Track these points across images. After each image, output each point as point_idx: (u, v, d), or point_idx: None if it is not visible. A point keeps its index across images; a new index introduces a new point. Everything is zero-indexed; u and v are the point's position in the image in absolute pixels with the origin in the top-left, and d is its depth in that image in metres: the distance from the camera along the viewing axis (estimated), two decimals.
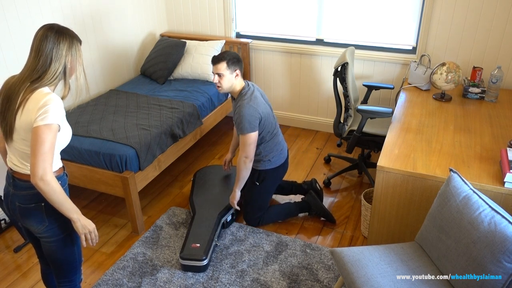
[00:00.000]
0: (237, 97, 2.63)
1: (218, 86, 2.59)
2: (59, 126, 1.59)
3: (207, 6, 4.07)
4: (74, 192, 3.30)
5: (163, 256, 2.63)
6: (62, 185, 1.71)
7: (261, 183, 2.76)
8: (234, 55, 2.57)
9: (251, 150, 2.60)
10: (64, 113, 1.64)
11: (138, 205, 2.79)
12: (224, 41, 3.92)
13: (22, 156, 1.66)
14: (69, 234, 1.76)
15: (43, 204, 1.66)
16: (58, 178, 1.69)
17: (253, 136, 2.57)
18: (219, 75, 2.55)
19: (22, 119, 1.58)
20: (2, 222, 2.87)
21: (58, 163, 1.73)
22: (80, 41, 1.70)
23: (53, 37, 1.60)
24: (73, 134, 2.81)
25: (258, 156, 2.72)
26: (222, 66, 2.52)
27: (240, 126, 2.55)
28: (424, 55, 3.30)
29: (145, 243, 2.73)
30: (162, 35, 4.25)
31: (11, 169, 1.71)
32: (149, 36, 4.12)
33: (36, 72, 1.59)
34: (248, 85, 2.65)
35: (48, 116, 1.54)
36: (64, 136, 1.68)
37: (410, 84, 3.32)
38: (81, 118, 3.04)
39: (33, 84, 1.59)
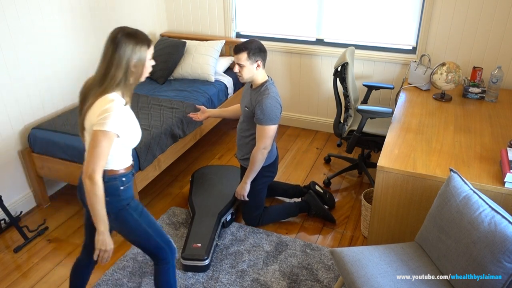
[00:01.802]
0: (258, 88, 2.56)
1: (239, 76, 2.53)
2: (117, 134, 1.64)
3: (207, 6, 4.07)
4: (74, 192, 3.30)
5: None
6: (127, 182, 1.79)
7: (253, 182, 2.75)
8: (257, 45, 2.49)
9: (270, 141, 2.56)
10: (127, 119, 1.68)
11: None
12: (224, 41, 3.92)
13: None
14: (137, 221, 1.83)
15: (107, 198, 1.70)
16: (125, 175, 1.78)
17: (274, 128, 2.54)
18: (240, 65, 2.48)
19: (88, 120, 1.66)
20: (2, 222, 2.87)
21: (127, 161, 1.81)
22: (148, 44, 1.71)
23: (118, 41, 1.63)
24: (73, 134, 2.82)
25: (249, 154, 2.70)
26: (243, 57, 2.45)
27: (260, 117, 2.49)
28: (424, 55, 3.30)
29: None
30: (162, 35, 4.25)
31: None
32: (149, 36, 4.11)
33: (103, 76, 1.65)
34: (271, 79, 2.61)
35: (106, 123, 1.59)
36: (130, 138, 1.73)
37: (410, 84, 3.32)
38: None
39: (100, 88, 1.65)
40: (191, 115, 2.98)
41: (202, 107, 3.01)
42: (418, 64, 3.29)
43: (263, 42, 3.97)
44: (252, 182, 2.73)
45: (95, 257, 1.74)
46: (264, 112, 2.48)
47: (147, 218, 1.88)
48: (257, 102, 2.50)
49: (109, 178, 1.73)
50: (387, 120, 2.94)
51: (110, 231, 1.77)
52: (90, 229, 1.90)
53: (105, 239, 1.71)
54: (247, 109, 2.60)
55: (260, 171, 2.71)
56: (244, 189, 2.71)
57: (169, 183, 3.40)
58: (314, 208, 2.90)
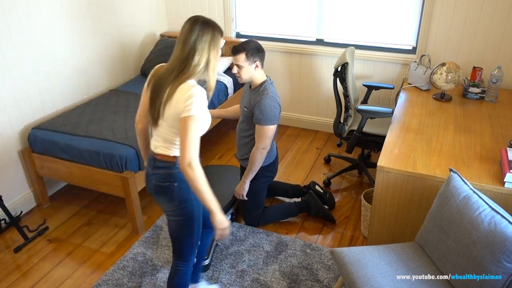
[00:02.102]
0: (257, 88, 2.55)
1: (238, 76, 2.53)
2: (201, 118, 1.67)
3: (207, 6, 4.07)
4: (74, 192, 3.31)
5: (163, 256, 2.63)
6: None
7: (252, 182, 2.75)
8: (255, 45, 2.47)
9: (269, 141, 2.56)
10: (206, 104, 1.71)
11: (138, 205, 2.79)
12: (224, 41, 3.91)
13: (165, 139, 1.76)
14: (192, 217, 1.86)
15: (175, 184, 1.77)
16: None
17: (273, 128, 2.53)
18: (238, 66, 2.47)
19: (171, 109, 1.67)
20: (2, 222, 2.87)
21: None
22: (221, 33, 1.75)
23: (198, 29, 1.67)
24: (73, 134, 2.82)
25: (249, 154, 2.70)
26: (241, 58, 2.44)
27: (259, 117, 2.49)
28: (424, 55, 3.30)
29: (145, 243, 2.74)
30: (162, 35, 4.25)
31: (152, 151, 1.83)
32: (149, 36, 4.12)
33: (182, 63, 1.68)
34: (270, 79, 2.61)
35: (193, 108, 1.62)
36: (205, 125, 1.76)
37: (410, 84, 3.32)
38: (81, 118, 3.04)
39: (180, 76, 1.67)
40: None
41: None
42: (418, 64, 3.29)
43: (263, 42, 4.00)
44: (252, 182, 2.73)
45: (217, 238, 1.78)
46: (263, 112, 2.47)
47: (200, 217, 1.90)
48: (256, 102, 2.50)
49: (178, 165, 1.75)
50: (387, 120, 2.94)
51: (167, 214, 1.85)
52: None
53: (221, 218, 1.72)
54: (246, 109, 2.60)
55: (260, 171, 2.71)
56: (243, 189, 2.71)
57: None
58: (314, 208, 2.90)
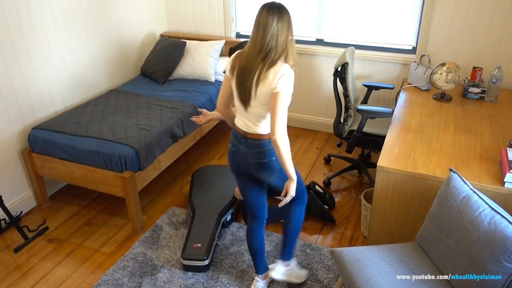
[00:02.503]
0: None
1: None
2: (290, 92, 1.88)
3: (207, 6, 4.07)
4: (74, 192, 3.31)
5: (163, 256, 2.63)
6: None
7: None
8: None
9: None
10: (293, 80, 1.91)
11: (138, 205, 2.79)
12: (224, 41, 3.92)
13: (257, 118, 1.94)
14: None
15: (273, 158, 1.98)
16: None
17: None
18: None
19: (263, 88, 1.84)
20: (2, 222, 2.87)
21: None
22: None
23: (276, 14, 1.82)
24: (73, 134, 2.82)
25: None
26: None
27: None
28: (424, 55, 3.30)
29: (145, 243, 2.74)
30: (162, 35, 4.25)
31: (242, 131, 1.99)
32: (149, 36, 4.12)
33: (267, 46, 1.82)
34: None
35: (285, 85, 1.82)
36: (288, 103, 1.91)
37: (410, 84, 3.32)
38: (81, 118, 3.04)
39: (268, 58, 1.83)
40: (193, 118, 2.98)
41: (204, 110, 3.01)
42: (418, 64, 3.29)
43: None
44: None
45: (282, 204, 1.94)
46: None
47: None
48: None
49: (270, 141, 1.94)
50: (387, 120, 2.94)
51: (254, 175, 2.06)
52: (261, 202, 2.24)
53: (295, 186, 1.92)
54: None
55: None
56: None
57: (169, 183, 3.40)
58: (314, 208, 2.91)
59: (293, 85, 1.89)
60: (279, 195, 3.14)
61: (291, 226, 2.28)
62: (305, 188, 2.26)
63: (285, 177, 1.98)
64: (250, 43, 1.87)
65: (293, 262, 2.40)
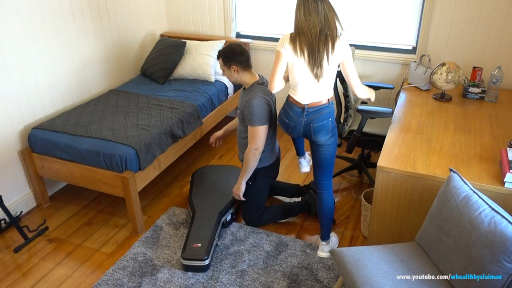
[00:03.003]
0: (248, 89, 2.58)
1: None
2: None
3: (207, 6, 4.07)
4: (74, 192, 3.31)
5: (163, 256, 2.63)
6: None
7: (253, 182, 2.75)
8: (226, 51, 2.52)
9: (260, 142, 2.54)
10: None
11: (138, 205, 2.79)
12: (224, 41, 3.92)
13: (325, 89, 2.30)
14: (336, 142, 2.46)
15: (330, 119, 2.35)
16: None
17: (263, 128, 2.52)
18: (222, 70, 2.60)
19: (336, 58, 2.22)
20: (2, 222, 2.87)
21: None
22: None
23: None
24: (73, 134, 2.83)
25: None
26: (220, 63, 2.57)
27: (249, 117, 2.50)
28: (424, 55, 3.30)
29: (145, 243, 2.74)
30: (162, 35, 4.25)
31: (303, 104, 2.32)
32: (149, 36, 4.12)
33: (324, 24, 2.16)
34: (263, 79, 2.62)
35: (350, 52, 2.25)
36: None
37: (410, 84, 3.32)
38: (81, 118, 3.04)
39: (330, 34, 2.18)
40: (211, 142, 3.10)
41: (214, 134, 3.07)
42: (418, 64, 3.29)
43: (263, 42, 4.01)
44: (253, 183, 2.73)
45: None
46: (251, 113, 2.48)
47: None
48: (245, 103, 2.53)
49: (332, 103, 2.37)
50: (387, 120, 2.94)
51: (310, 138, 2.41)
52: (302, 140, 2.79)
53: None
54: (239, 111, 2.63)
55: (261, 171, 2.72)
56: (240, 189, 2.72)
57: (169, 183, 3.40)
58: (314, 208, 2.90)
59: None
60: (279, 195, 3.16)
61: (325, 210, 2.55)
62: (332, 174, 2.56)
63: (335, 143, 2.41)
64: (303, 26, 2.15)
65: (332, 238, 2.67)
